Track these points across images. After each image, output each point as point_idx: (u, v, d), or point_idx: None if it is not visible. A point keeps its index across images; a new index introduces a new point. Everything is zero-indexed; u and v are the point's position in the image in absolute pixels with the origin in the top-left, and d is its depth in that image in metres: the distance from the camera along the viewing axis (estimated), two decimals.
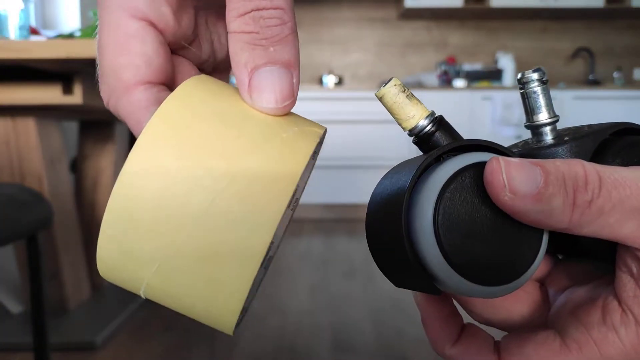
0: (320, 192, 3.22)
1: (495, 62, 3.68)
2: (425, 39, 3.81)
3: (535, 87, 0.23)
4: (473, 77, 3.48)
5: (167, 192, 0.17)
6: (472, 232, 0.20)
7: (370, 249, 0.24)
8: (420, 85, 3.40)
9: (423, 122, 0.22)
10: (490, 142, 0.22)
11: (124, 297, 1.70)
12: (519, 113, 3.15)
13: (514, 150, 0.24)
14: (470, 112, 3.18)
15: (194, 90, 0.19)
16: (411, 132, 0.23)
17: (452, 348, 0.24)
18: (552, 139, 0.23)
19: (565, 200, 0.18)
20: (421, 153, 0.24)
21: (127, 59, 0.20)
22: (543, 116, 0.23)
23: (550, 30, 3.79)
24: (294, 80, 0.20)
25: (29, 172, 1.40)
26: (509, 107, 3.20)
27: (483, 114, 3.19)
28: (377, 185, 0.24)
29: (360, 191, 3.20)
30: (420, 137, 0.23)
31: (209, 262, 0.18)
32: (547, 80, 0.23)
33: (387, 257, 0.22)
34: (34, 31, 1.67)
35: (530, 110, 0.23)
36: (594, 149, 0.22)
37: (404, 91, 0.22)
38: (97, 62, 0.21)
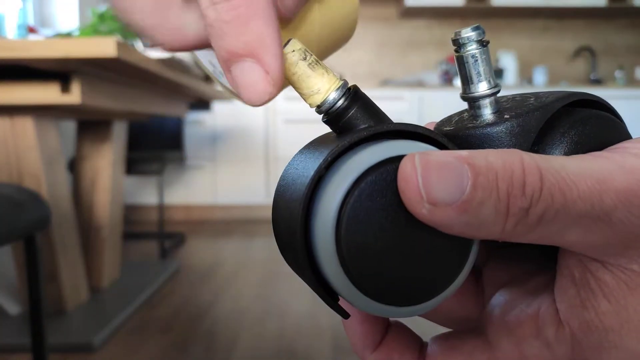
0: None
1: (497, 61, 3.67)
2: (426, 38, 3.80)
3: (474, 50, 0.18)
4: None
5: None
6: (384, 243, 0.16)
7: (278, 246, 0.20)
8: (421, 84, 3.39)
9: (332, 96, 0.18)
10: (416, 126, 0.18)
11: (122, 298, 1.69)
12: None
13: (445, 129, 0.20)
14: None
15: None
16: (319, 110, 0.18)
17: (373, 353, 0.21)
18: (492, 113, 0.19)
19: (498, 208, 0.15)
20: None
21: None
22: (482, 86, 0.19)
23: (552, 29, 3.78)
24: None
25: (27, 172, 1.39)
26: None
27: None
28: (286, 166, 0.20)
29: None
30: (330, 115, 0.18)
31: None
32: (487, 42, 0.19)
33: (290, 259, 0.19)
34: (32, 30, 1.66)
35: (467, 78, 0.19)
36: (541, 126, 0.18)
37: (305, 58, 0.18)
38: None
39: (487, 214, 0.15)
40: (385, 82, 3.56)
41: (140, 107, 1.65)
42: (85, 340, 1.36)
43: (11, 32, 1.56)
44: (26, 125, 1.37)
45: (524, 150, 0.18)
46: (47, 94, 1.23)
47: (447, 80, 3.54)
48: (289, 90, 2.69)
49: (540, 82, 3.51)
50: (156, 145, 2.82)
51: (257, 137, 3.28)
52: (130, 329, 1.51)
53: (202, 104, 2.91)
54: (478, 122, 0.19)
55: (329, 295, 0.18)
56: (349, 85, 0.19)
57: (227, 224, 3.21)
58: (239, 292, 1.85)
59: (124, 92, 1.51)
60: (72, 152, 2.20)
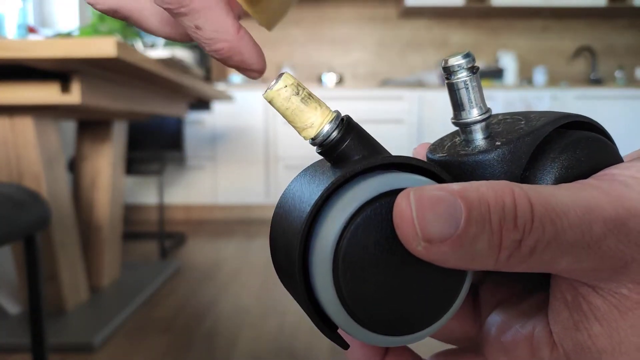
0: None
1: (497, 61, 3.67)
2: (425, 38, 3.80)
3: (465, 77, 0.19)
4: None
5: None
6: (380, 276, 0.16)
7: (275, 270, 0.21)
8: (420, 85, 3.39)
9: (325, 128, 0.18)
10: (410, 158, 0.18)
11: (122, 298, 1.69)
12: None
13: (438, 155, 0.20)
14: None
15: None
16: (313, 142, 0.19)
17: None
18: (483, 138, 0.19)
19: (491, 242, 0.15)
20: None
21: None
22: (473, 112, 0.19)
23: (552, 29, 3.78)
24: None
25: (27, 171, 1.39)
26: (510, 106, 3.19)
27: None
28: (283, 193, 0.21)
29: None
30: (324, 147, 0.19)
31: None
32: (477, 68, 0.19)
33: (289, 286, 0.19)
34: (32, 30, 1.66)
35: (458, 104, 0.19)
36: (532, 151, 0.19)
37: (297, 93, 0.18)
38: None
39: (481, 247, 0.15)
40: (385, 82, 3.56)
41: (140, 107, 1.65)
42: (85, 340, 1.36)
43: (11, 32, 1.56)
44: (26, 125, 1.38)
45: (515, 175, 0.18)
46: (47, 94, 1.23)
47: None
48: None
49: (540, 82, 3.51)
50: (156, 145, 2.82)
51: (257, 137, 3.28)
52: (130, 329, 1.51)
53: (202, 104, 2.91)
54: (470, 148, 0.20)
55: (327, 324, 0.18)
56: (342, 116, 0.19)
57: (227, 224, 3.21)
58: (239, 292, 1.85)
59: (124, 92, 1.51)
60: (72, 152, 2.20)
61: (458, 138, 0.21)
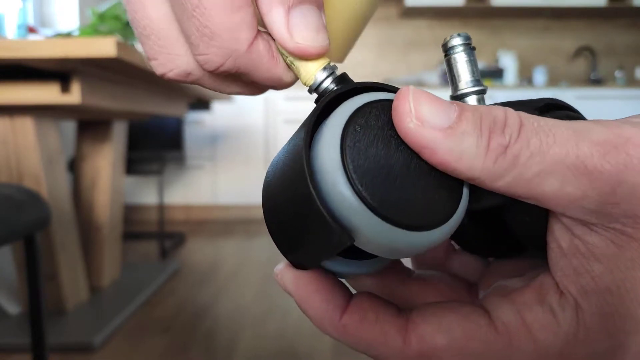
0: None
1: (497, 60, 3.66)
2: (426, 38, 3.80)
3: (460, 53, 0.21)
4: None
5: None
6: (385, 169, 0.17)
7: (267, 222, 0.20)
8: (421, 84, 3.39)
9: (320, 75, 0.20)
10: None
11: (122, 298, 1.69)
12: None
13: None
14: None
15: None
16: (310, 89, 0.20)
17: (344, 316, 0.19)
18: None
19: (479, 142, 0.16)
20: None
21: (240, 16, 0.18)
22: (468, 85, 0.21)
23: (552, 28, 3.78)
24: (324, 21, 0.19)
25: (27, 172, 1.39)
26: None
27: None
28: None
29: None
30: (320, 94, 0.20)
31: None
32: (474, 47, 0.21)
33: (287, 224, 0.19)
34: (32, 30, 1.66)
35: (455, 77, 0.21)
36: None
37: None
38: (196, 24, 0.18)
39: (469, 145, 0.16)
40: (387, 82, 3.55)
41: (140, 107, 1.64)
42: (85, 340, 1.36)
43: (11, 32, 1.56)
44: (26, 125, 1.37)
45: None
46: (47, 94, 1.23)
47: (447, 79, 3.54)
48: (289, 91, 2.69)
49: (540, 82, 3.51)
50: (156, 145, 2.82)
51: (257, 137, 3.28)
52: (130, 329, 1.51)
53: (202, 104, 2.91)
54: None
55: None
56: (337, 68, 0.20)
57: (227, 224, 3.21)
58: (239, 292, 1.85)
59: (124, 92, 1.51)
60: (72, 152, 2.20)
61: None
